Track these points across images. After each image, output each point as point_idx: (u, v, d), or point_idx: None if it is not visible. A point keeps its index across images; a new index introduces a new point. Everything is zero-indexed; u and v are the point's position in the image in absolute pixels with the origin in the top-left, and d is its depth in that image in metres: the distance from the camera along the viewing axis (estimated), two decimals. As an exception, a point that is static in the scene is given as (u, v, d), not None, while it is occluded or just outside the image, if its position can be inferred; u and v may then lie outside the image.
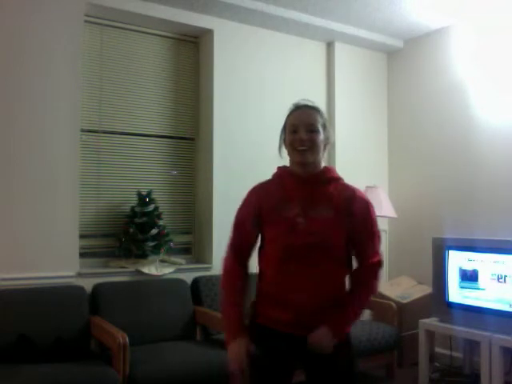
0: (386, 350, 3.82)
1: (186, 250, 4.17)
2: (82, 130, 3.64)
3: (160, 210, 3.81)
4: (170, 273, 3.77)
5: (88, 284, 3.42)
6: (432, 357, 4.01)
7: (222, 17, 4.09)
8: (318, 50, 4.66)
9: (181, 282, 3.74)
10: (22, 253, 3.26)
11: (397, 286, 4.42)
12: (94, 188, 3.77)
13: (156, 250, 3.74)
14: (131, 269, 3.65)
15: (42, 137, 3.36)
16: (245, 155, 4.18)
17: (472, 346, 3.78)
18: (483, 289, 3.51)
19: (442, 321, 3.71)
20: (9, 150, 3.26)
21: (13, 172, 3.27)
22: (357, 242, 1.86)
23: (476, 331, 3.44)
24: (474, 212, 4.12)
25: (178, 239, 4.05)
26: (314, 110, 1.87)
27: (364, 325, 3.92)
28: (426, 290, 4.21)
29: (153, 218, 3.73)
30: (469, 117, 4.23)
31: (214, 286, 3.80)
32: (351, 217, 1.83)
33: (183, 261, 3.95)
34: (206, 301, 3.73)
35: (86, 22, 3.66)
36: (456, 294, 3.66)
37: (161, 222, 3.77)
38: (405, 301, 4.17)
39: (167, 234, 3.80)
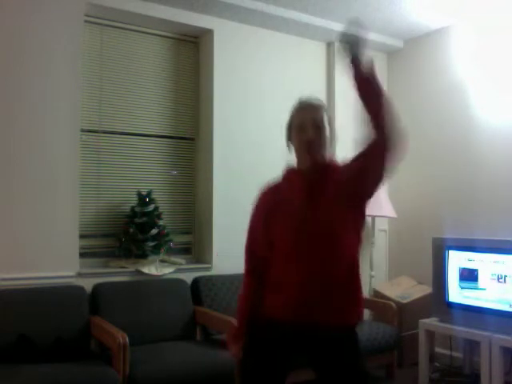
0: (386, 349, 3.82)
1: (186, 250, 4.17)
2: (82, 130, 3.64)
3: (160, 210, 3.81)
4: (170, 273, 3.77)
5: (88, 284, 3.42)
6: (432, 357, 4.01)
7: (222, 17, 4.09)
8: (318, 49, 4.66)
9: (181, 281, 3.74)
10: (22, 253, 3.26)
11: (397, 285, 4.42)
12: (93, 188, 3.77)
13: (156, 250, 3.74)
14: (131, 269, 3.65)
15: (41, 137, 3.36)
16: (245, 155, 4.18)
17: (472, 346, 3.78)
18: (483, 289, 3.51)
19: (442, 321, 3.71)
20: (9, 149, 3.26)
21: (13, 172, 3.27)
22: (363, 175, 1.82)
23: (476, 331, 3.44)
24: (474, 212, 4.12)
25: (178, 239, 4.05)
26: (318, 107, 1.91)
27: (364, 325, 3.92)
28: (425, 290, 4.21)
29: (153, 218, 3.73)
30: (469, 117, 4.23)
31: (214, 285, 3.80)
32: (345, 184, 1.83)
33: (183, 261, 3.96)
34: (205, 301, 3.73)
35: (85, 21, 3.66)
36: (456, 293, 3.66)
37: (161, 222, 3.77)
38: (405, 301, 4.17)
39: (167, 234, 3.80)
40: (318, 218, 1.81)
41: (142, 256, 3.70)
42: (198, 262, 4.13)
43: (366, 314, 4.47)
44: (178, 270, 3.82)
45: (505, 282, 3.40)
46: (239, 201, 3.97)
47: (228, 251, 3.93)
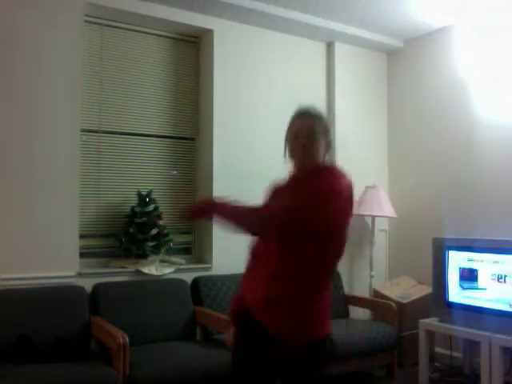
0: (386, 349, 3.83)
1: (185, 250, 4.17)
2: (82, 130, 3.64)
3: (160, 210, 3.81)
4: (170, 273, 3.77)
5: (88, 284, 3.42)
6: (432, 357, 4.01)
7: (222, 17, 4.09)
8: (318, 50, 4.66)
9: (181, 281, 3.74)
10: (22, 253, 3.26)
11: (397, 285, 4.42)
12: (93, 188, 3.77)
13: (156, 250, 3.74)
14: (131, 269, 3.65)
15: (41, 137, 3.36)
16: (245, 155, 4.18)
17: (472, 345, 3.78)
18: (483, 289, 3.51)
19: (442, 321, 3.71)
20: (9, 150, 3.26)
21: (13, 172, 3.27)
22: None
23: (476, 331, 3.44)
24: (474, 212, 4.12)
25: (177, 239, 4.05)
26: (314, 117, 1.96)
27: (364, 325, 3.92)
28: (425, 290, 4.21)
29: (153, 218, 3.73)
30: (469, 116, 4.23)
31: (214, 286, 3.80)
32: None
33: (183, 261, 3.96)
34: (205, 301, 3.73)
35: (86, 22, 3.66)
36: (456, 293, 3.66)
37: (161, 222, 3.78)
38: (405, 301, 4.17)
39: (167, 234, 3.80)
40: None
41: (142, 256, 3.70)
42: (197, 261, 4.13)
43: (366, 313, 4.47)
44: (177, 270, 3.82)
45: (505, 281, 3.40)
46: (239, 201, 3.96)
47: (228, 251, 3.93)
